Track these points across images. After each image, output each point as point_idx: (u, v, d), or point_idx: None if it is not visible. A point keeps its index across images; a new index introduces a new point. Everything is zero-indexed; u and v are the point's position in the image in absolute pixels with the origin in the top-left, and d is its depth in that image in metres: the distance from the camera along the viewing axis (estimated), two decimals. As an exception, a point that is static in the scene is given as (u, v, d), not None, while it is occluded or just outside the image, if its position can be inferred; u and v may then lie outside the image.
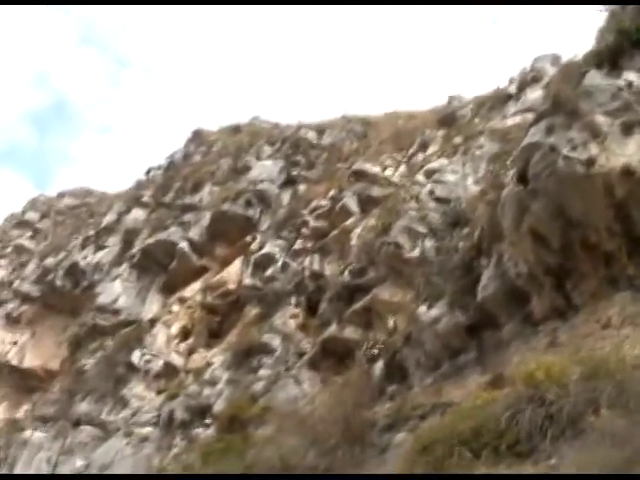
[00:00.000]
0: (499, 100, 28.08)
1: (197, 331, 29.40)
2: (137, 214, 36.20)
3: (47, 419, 30.10)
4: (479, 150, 24.97)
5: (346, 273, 24.15)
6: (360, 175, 28.04)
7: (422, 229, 22.63)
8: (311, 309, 25.62)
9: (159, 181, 38.19)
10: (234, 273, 29.86)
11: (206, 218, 32.15)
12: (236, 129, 38.91)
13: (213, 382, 25.97)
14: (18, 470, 28.15)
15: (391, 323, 20.70)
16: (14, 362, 36.55)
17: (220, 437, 21.63)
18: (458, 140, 26.70)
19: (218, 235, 31.53)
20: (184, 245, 31.85)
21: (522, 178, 15.50)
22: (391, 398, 17.51)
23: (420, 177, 25.61)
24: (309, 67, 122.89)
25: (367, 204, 26.74)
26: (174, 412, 25.89)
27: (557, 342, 14.26)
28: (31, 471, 27.81)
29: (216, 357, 27.37)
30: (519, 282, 15.96)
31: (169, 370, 28.39)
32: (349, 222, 26.60)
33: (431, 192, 24.07)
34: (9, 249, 45.39)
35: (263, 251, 28.81)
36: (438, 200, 23.55)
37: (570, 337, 14.00)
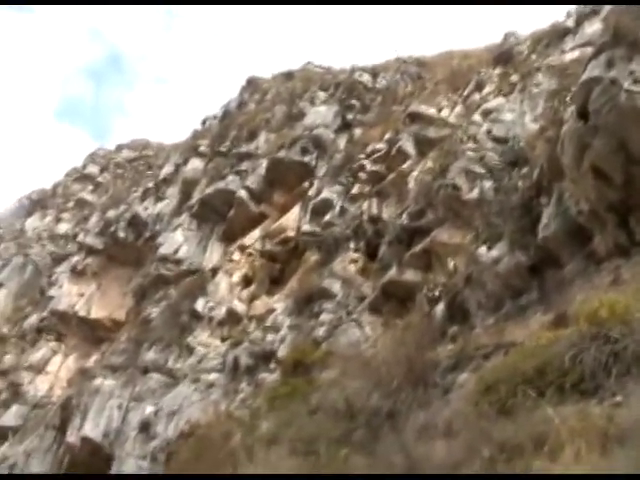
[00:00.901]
0: (556, 35, 27.38)
1: (258, 278, 29.72)
2: (194, 164, 36.52)
3: (116, 368, 30.84)
4: (537, 87, 24.47)
5: (404, 216, 24.05)
6: (416, 117, 27.75)
7: (480, 170, 22.36)
8: (370, 253, 25.64)
9: (215, 130, 38.38)
10: (292, 220, 30.01)
11: (263, 166, 32.27)
12: (289, 75, 38.79)
13: (276, 328, 26.26)
14: (91, 417, 28.93)
15: (451, 265, 20.60)
16: (82, 313, 37.55)
17: (285, 381, 21.91)
18: (515, 78, 26.20)
19: (275, 182, 31.66)
20: (242, 193, 32.07)
21: (582, 114, 15.16)
22: (453, 339, 17.50)
23: (477, 117, 25.23)
24: (361, 9, 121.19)
25: (424, 146, 26.50)
26: (239, 358, 26.31)
27: (620, 280, 14.06)
28: (103, 418, 28.59)
29: (278, 303, 27.65)
30: (581, 220, 15.71)
31: (232, 317, 28.81)
32: (406, 165, 26.42)
33: (488, 132, 23.73)
34: (71, 203, 46.35)
35: (321, 197, 28.84)
36: (496, 140, 23.22)
37: (633, 274, 13.78)
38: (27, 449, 32.70)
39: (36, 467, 31.59)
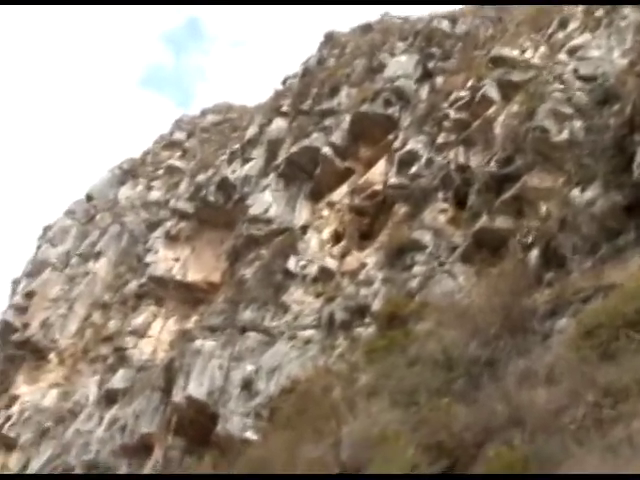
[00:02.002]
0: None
1: (348, 234, 29.84)
2: (278, 124, 36.69)
3: (215, 328, 31.51)
4: (624, 21, 23.64)
5: (492, 163, 23.73)
6: (499, 61, 27.20)
7: (569, 110, 21.86)
8: (459, 202, 25.43)
9: (296, 89, 38.41)
10: (379, 173, 29.94)
11: (346, 121, 32.21)
12: (367, 28, 38.45)
13: (368, 282, 26.39)
14: (194, 377, 29.72)
15: (543, 210, 20.31)
16: (178, 277, 38.49)
17: (381, 334, 22.08)
18: (600, 13, 25.34)
19: (360, 137, 31.59)
20: (327, 150, 32.13)
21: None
22: (549, 285, 17.31)
23: (562, 56, 24.59)
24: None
25: (508, 90, 25.98)
26: (334, 314, 26.58)
27: None
28: (206, 378, 29.33)
29: (369, 258, 27.74)
30: (678, 155, 15.27)
31: (325, 274, 29.05)
32: (491, 111, 25.99)
33: (575, 70, 23.12)
34: (161, 170, 47.26)
35: (406, 148, 28.66)
36: (583, 78, 22.61)
37: None
38: (136, 410, 33.88)
39: (145, 427, 32.74)
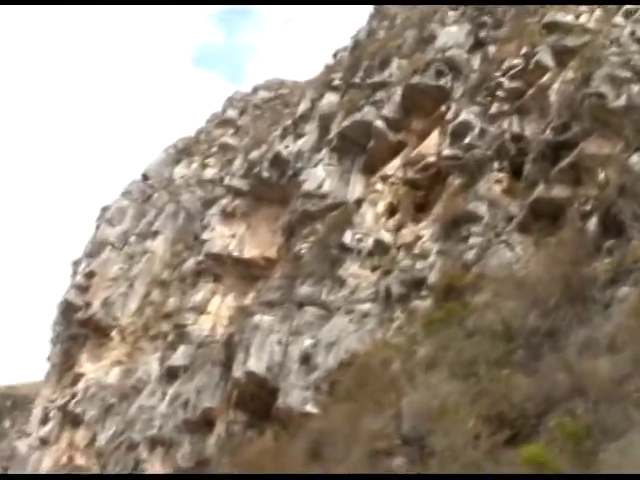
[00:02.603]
0: None
1: (403, 207, 29.75)
2: (330, 98, 36.62)
3: (272, 304, 31.77)
4: (681, -20, 23.04)
5: (548, 131, 23.39)
6: (552, 27, 26.71)
7: (626, 74, 21.42)
8: (515, 172, 25.15)
9: (347, 62, 38.27)
10: (432, 145, 29.73)
11: (398, 93, 32.00)
12: (418, -2, 37.98)
13: (424, 255, 26.31)
14: (253, 352, 30.06)
15: (601, 177, 19.98)
16: (235, 254, 38.87)
17: (438, 306, 22.05)
18: (656, -27, 24.70)
19: (412, 109, 31.37)
20: (379, 123, 31.99)
21: None
22: (609, 253, 17.08)
23: (619, 19, 24.04)
24: None
25: (563, 56, 25.52)
26: (390, 287, 26.58)
27: None
28: (265, 352, 29.64)
29: (424, 230, 27.64)
30: None
31: (380, 247, 29.04)
32: (545, 78, 25.58)
33: (632, 33, 22.62)
34: (215, 148, 47.67)
35: (459, 119, 28.37)
36: (641, 41, 22.13)
37: None
38: (197, 386, 34.45)
39: (207, 402, 33.29)
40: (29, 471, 45.33)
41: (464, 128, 27.83)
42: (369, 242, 29.41)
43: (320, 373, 26.96)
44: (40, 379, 56.63)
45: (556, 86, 24.59)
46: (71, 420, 43.50)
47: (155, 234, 45.94)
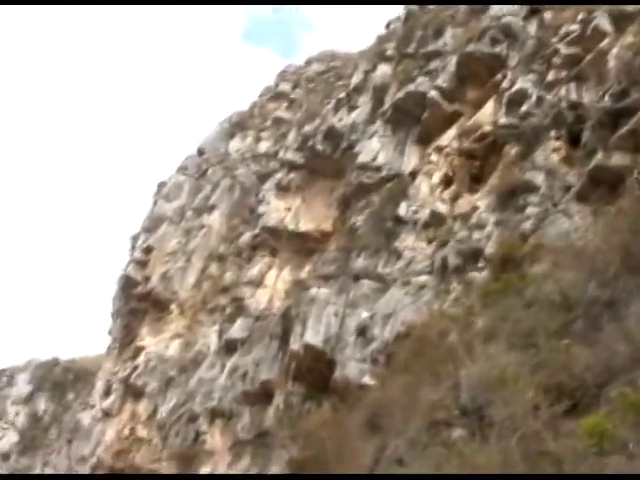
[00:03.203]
0: None
1: (458, 177, 29.54)
2: (383, 70, 36.40)
3: (328, 277, 31.92)
4: None
5: (606, 98, 22.95)
6: (610, -9, 26.14)
7: (688, 37, 20.91)
8: (573, 141, 24.77)
9: (400, 33, 37.94)
10: (488, 114, 29.39)
11: (452, 63, 31.66)
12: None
13: (481, 225, 26.13)
14: (310, 325, 30.28)
15: (662, 144, 19.61)
16: (291, 227, 39.06)
17: (496, 277, 21.91)
18: None
19: (467, 78, 31.03)
20: (434, 94, 31.71)
21: None
22: (670, 222, 16.77)
23: (677, -19, 23.45)
24: None
25: (621, 21, 24.94)
26: (447, 259, 26.47)
27: None
28: (322, 325, 29.83)
29: (481, 201, 27.42)
30: None
31: (436, 219, 28.90)
32: (604, 44, 25.05)
33: (693, -4, 22.05)
34: (269, 122, 47.77)
35: (515, 88, 27.99)
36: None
37: None
38: (255, 358, 34.85)
39: (265, 374, 33.66)
40: (93, 442, 46.42)
41: (520, 96, 27.45)
42: (425, 214, 29.30)
43: (377, 345, 27.06)
44: (101, 353, 57.85)
45: (614, 52, 24.08)
46: (133, 392, 44.34)
47: (211, 209, 46.37)
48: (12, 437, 78.61)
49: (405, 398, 16.69)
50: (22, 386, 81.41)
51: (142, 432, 42.43)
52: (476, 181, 28.99)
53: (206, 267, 44.63)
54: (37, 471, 75.62)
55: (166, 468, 39.45)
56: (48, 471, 73.41)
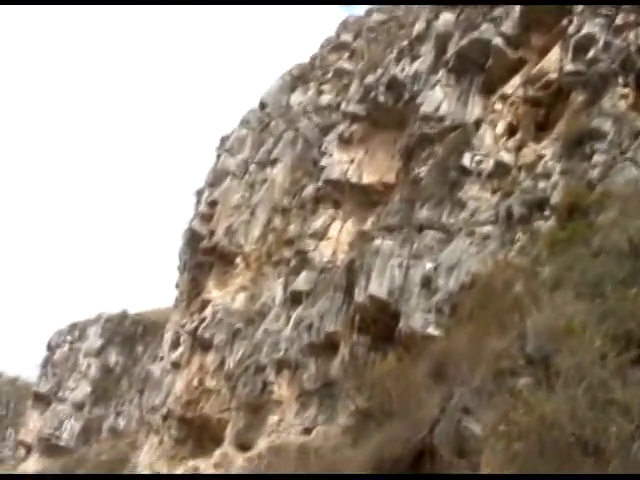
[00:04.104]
0: None
1: (523, 126, 29.09)
2: (446, 17, 35.77)
3: (392, 228, 31.89)
4: None
5: (677, 41, 22.33)
6: None
7: None
8: (641, 86, 24.19)
9: (463, -21, 37.17)
10: (553, 61, 28.78)
11: (517, 9, 30.98)
12: None
13: (546, 174, 25.78)
14: (374, 276, 30.40)
15: None
16: (354, 179, 39.02)
17: (562, 226, 21.66)
18: None
19: (532, 24, 30.36)
20: (498, 41, 31.13)
21: None
22: None
23: None
24: None
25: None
26: (511, 208, 26.22)
27: None
28: (386, 277, 29.94)
29: (546, 149, 27.02)
30: None
31: (500, 168, 28.59)
32: (675, -16, 24.30)
33: None
34: (330, 74, 47.52)
35: (582, 33, 27.29)
36: None
37: None
38: (320, 310, 35.17)
39: (330, 326, 34.00)
40: (163, 392, 47.51)
41: (587, 42, 26.78)
42: (489, 163, 28.99)
43: (441, 296, 27.08)
44: (169, 306, 58.99)
45: (686, -8, 23.33)
46: (200, 344, 45.18)
47: (274, 162, 46.53)
48: (85, 388, 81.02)
49: (470, 348, 16.70)
50: (93, 339, 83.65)
51: (210, 383, 43.28)
52: (541, 129, 28.52)
53: (270, 220, 44.95)
54: (110, 420, 77.91)
55: (235, 417, 40.28)
56: (121, 421, 75.58)
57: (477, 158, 29.38)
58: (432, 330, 26.42)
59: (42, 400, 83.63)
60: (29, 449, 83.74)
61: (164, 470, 44.41)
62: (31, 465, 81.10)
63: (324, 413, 33.47)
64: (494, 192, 28.12)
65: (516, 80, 30.16)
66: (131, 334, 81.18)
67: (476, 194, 28.63)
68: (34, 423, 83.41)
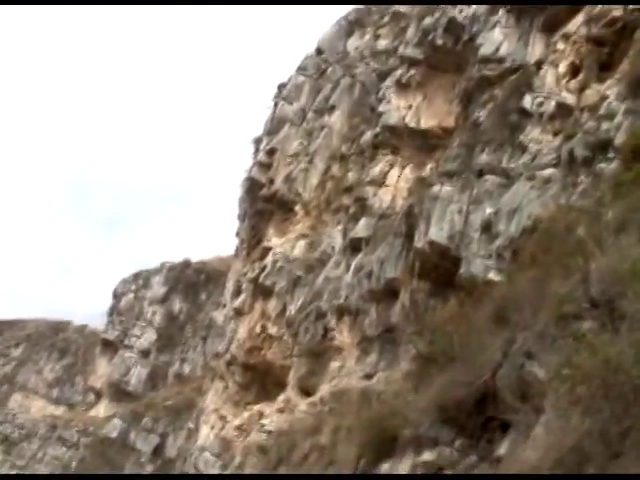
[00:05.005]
0: None
1: (586, 66, 28.38)
2: (505, -44, 34.87)
3: (451, 173, 31.60)
4: None
5: None
6: None
7: None
8: None
9: None
10: (618, -2, 27.94)
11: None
12: None
13: (610, 115, 25.18)
14: (434, 222, 30.26)
15: None
16: (412, 125, 38.63)
17: (627, 168, 21.20)
18: None
19: (594, -40, 29.44)
20: (559, -22, 30.31)
21: None
22: None
23: None
24: None
25: None
26: (574, 151, 25.76)
27: None
28: (446, 222, 29.78)
29: (610, 90, 26.35)
30: None
31: (562, 110, 28.02)
32: None
33: None
34: (387, 17, 46.81)
35: (648, -33, 26.41)
36: None
37: None
38: (380, 257, 35.22)
39: (390, 272, 34.07)
40: (226, 339, 48.31)
41: (651, -22, 25.94)
42: (550, 105, 28.42)
43: (502, 241, 26.88)
44: (230, 254, 59.68)
45: None
46: (262, 292, 45.67)
47: (332, 109, 46.28)
48: (151, 335, 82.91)
49: (533, 292, 16.61)
50: (157, 288, 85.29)
51: (272, 329, 43.80)
52: (605, 69, 27.79)
53: (328, 167, 44.88)
54: (175, 367, 79.66)
55: (297, 363, 40.82)
56: (186, 367, 77.15)
57: (538, 100, 28.81)
58: (493, 275, 26.32)
59: (110, 347, 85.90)
60: (99, 395, 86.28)
61: (230, 415, 45.35)
62: (102, 410, 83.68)
63: (385, 359, 33.73)
64: (556, 134, 27.60)
65: (579, 19, 29.35)
66: (194, 282, 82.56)
67: (537, 137, 28.16)
68: (103, 370, 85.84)
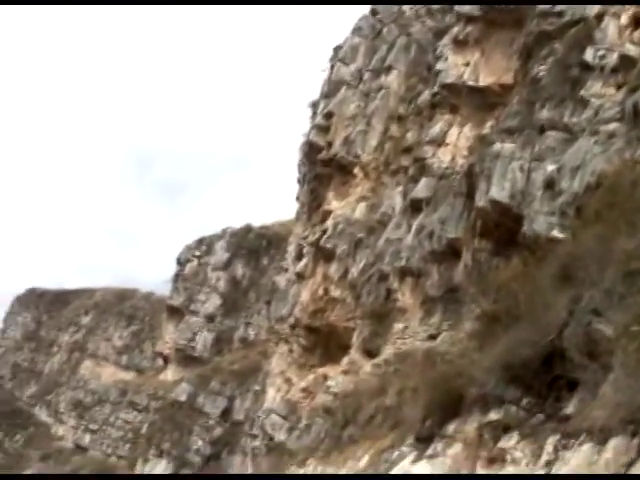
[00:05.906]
0: None
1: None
2: None
3: (512, 130, 31.15)
4: None
5: None
6: None
7: None
8: None
9: None
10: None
11: None
12: None
13: (676, 65, 24.59)
14: (495, 181, 29.95)
15: None
16: (470, 83, 38.14)
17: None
18: None
19: None
20: None
21: None
22: None
23: None
24: None
25: None
26: (638, 104, 25.17)
27: None
28: (507, 180, 29.42)
29: (675, 39, 25.69)
30: None
31: (626, 62, 27.33)
32: None
33: None
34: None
35: None
36: None
37: None
38: (441, 217, 35.07)
39: (451, 232, 33.94)
40: (289, 303, 48.74)
41: None
42: (613, 58, 27.75)
43: (566, 198, 26.49)
44: (291, 218, 59.98)
45: None
46: (323, 255, 45.92)
47: (388, 69, 45.94)
48: (215, 300, 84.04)
49: (598, 249, 16.39)
50: (220, 253, 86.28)
51: (335, 292, 44.09)
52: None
53: (387, 129, 44.68)
54: (240, 331, 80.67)
55: (360, 325, 41.07)
56: (251, 331, 78.08)
57: (600, 53, 28.15)
58: (557, 233, 25.99)
59: (176, 313, 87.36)
60: (166, 360, 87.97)
61: (295, 378, 45.92)
62: (170, 375, 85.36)
63: (449, 319, 33.71)
64: (619, 88, 26.97)
65: (640, -33, 28.53)
66: (256, 247, 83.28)
67: (600, 91, 27.56)
68: (169, 335, 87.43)
